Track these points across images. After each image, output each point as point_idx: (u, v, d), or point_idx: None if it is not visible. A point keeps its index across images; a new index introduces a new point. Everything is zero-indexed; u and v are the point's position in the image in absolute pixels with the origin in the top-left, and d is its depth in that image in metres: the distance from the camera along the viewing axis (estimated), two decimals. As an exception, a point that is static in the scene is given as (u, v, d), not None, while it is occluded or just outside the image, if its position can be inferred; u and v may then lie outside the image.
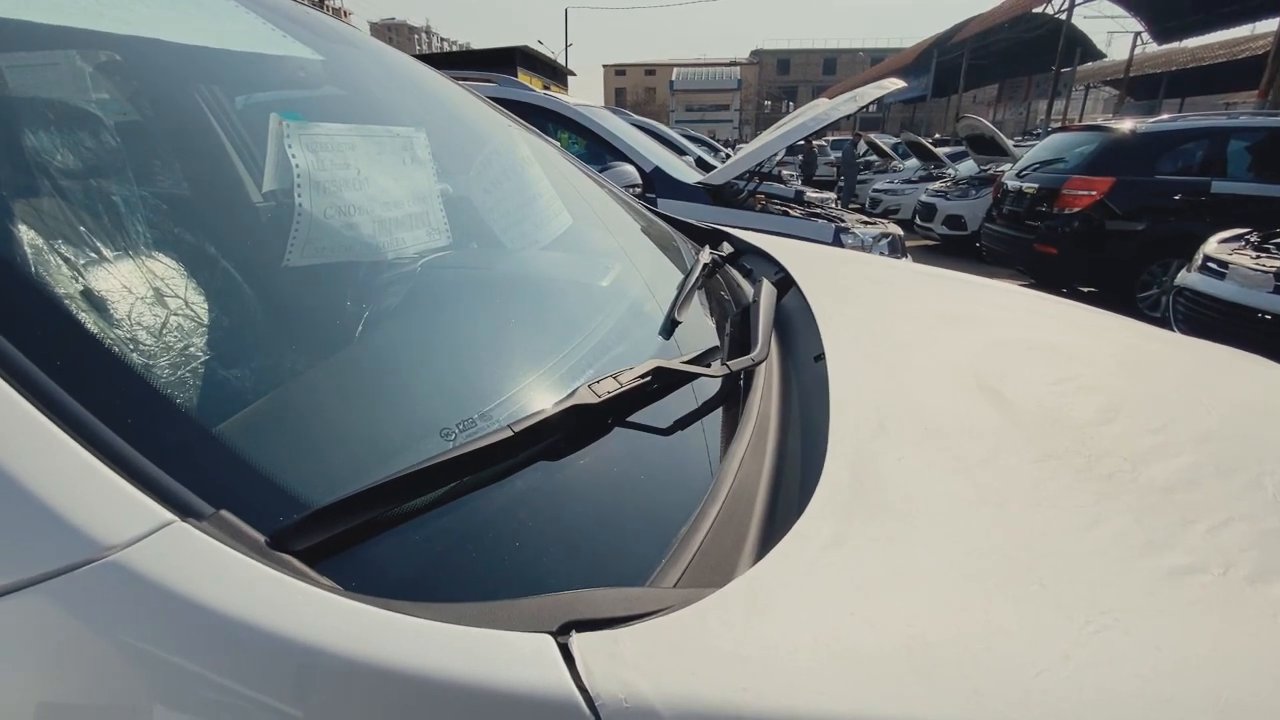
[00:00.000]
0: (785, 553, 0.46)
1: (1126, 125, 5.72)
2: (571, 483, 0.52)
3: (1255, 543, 0.52)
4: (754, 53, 66.25)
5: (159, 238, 0.57)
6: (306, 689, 0.33)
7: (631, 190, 3.40)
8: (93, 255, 0.50)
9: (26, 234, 0.47)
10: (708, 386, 0.70)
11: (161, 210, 0.59)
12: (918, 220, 9.39)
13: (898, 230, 3.98)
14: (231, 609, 0.33)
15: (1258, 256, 3.58)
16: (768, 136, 3.85)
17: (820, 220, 3.73)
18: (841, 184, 13.55)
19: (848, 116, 3.69)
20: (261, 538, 0.37)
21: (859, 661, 0.38)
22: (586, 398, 0.52)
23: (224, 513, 0.37)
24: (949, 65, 30.56)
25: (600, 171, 3.24)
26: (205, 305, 0.53)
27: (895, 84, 3.59)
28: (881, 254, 3.73)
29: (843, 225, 3.67)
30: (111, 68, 0.74)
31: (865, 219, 4.35)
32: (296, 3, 1.01)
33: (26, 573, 0.32)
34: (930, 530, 0.50)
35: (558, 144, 1.67)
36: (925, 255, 8.61)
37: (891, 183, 11.92)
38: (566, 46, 33.63)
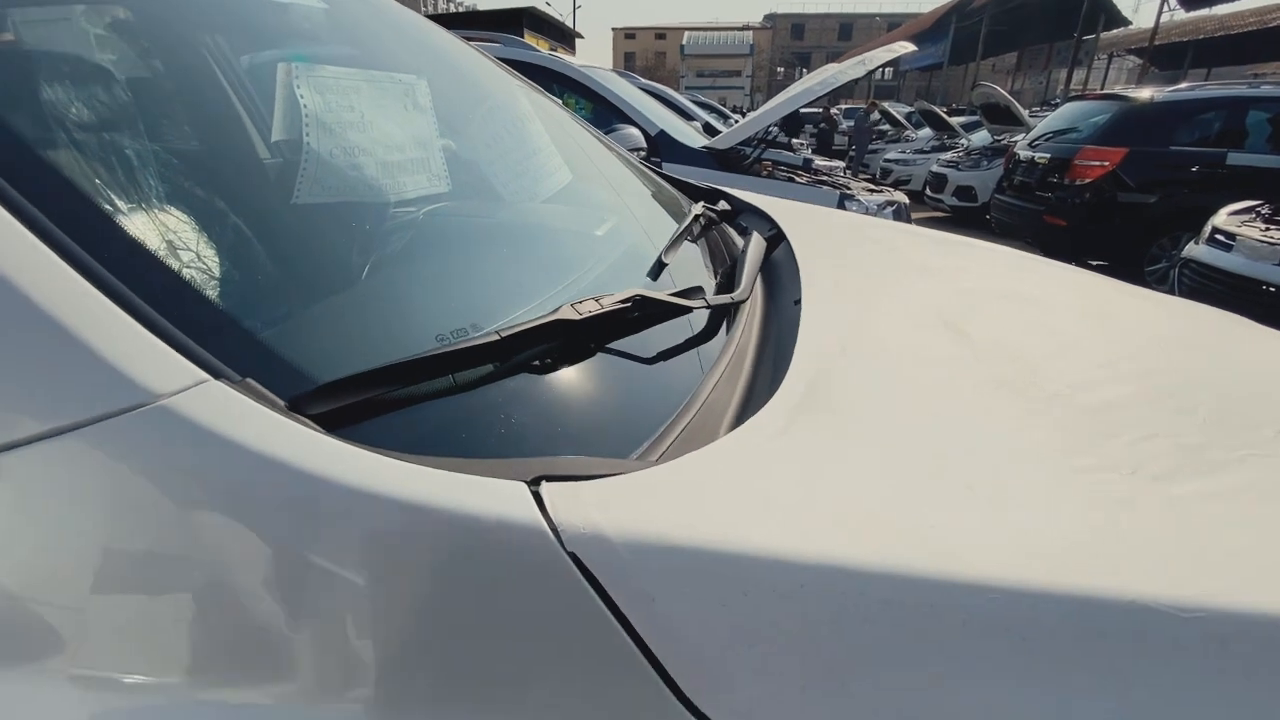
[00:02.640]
0: (737, 438, 0.53)
1: (1143, 94, 5.60)
2: (555, 390, 0.59)
3: (1170, 452, 0.57)
4: (767, 17, 64.56)
5: (185, 166, 0.64)
6: (321, 518, 0.40)
7: (636, 154, 3.40)
8: (139, 184, 0.57)
9: (77, 160, 0.54)
10: (694, 323, 0.74)
11: (185, 142, 0.65)
12: (928, 191, 9.27)
13: (903, 198, 3.96)
14: (262, 449, 0.40)
15: (1266, 229, 3.55)
16: (775, 101, 3.81)
17: (825, 187, 3.72)
18: (853, 153, 13.35)
19: (857, 82, 3.65)
20: (282, 401, 0.44)
21: (782, 510, 0.45)
22: (568, 314, 0.57)
23: (250, 380, 0.44)
24: (968, 31, 29.70)
25: (606, 133, 3.23)
26: (232, 223, 0.60)
27: (906, 47, 3.54)
28: (886, 222, 3.72)
29: (848, 193, 3.66)
30: (117, 22, 0.78)
31: (872, 187, 4.32)
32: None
33: (88, 413, 0.39)
34: (869, 428, 0.58)
35: (559, 102, 1.68)
36: (935, 227, 8.49)
37: (903, 152, 11.72)
38: (575, 8, 32.88)
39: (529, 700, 0.41)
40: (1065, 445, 0.58)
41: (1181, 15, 26.50)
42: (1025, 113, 9.05)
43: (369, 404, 0.48)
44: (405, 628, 0.40)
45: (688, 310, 0.68)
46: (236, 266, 0.56)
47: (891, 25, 55.82)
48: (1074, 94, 9.27)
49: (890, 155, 11.79)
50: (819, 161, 6.12)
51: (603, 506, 0.42)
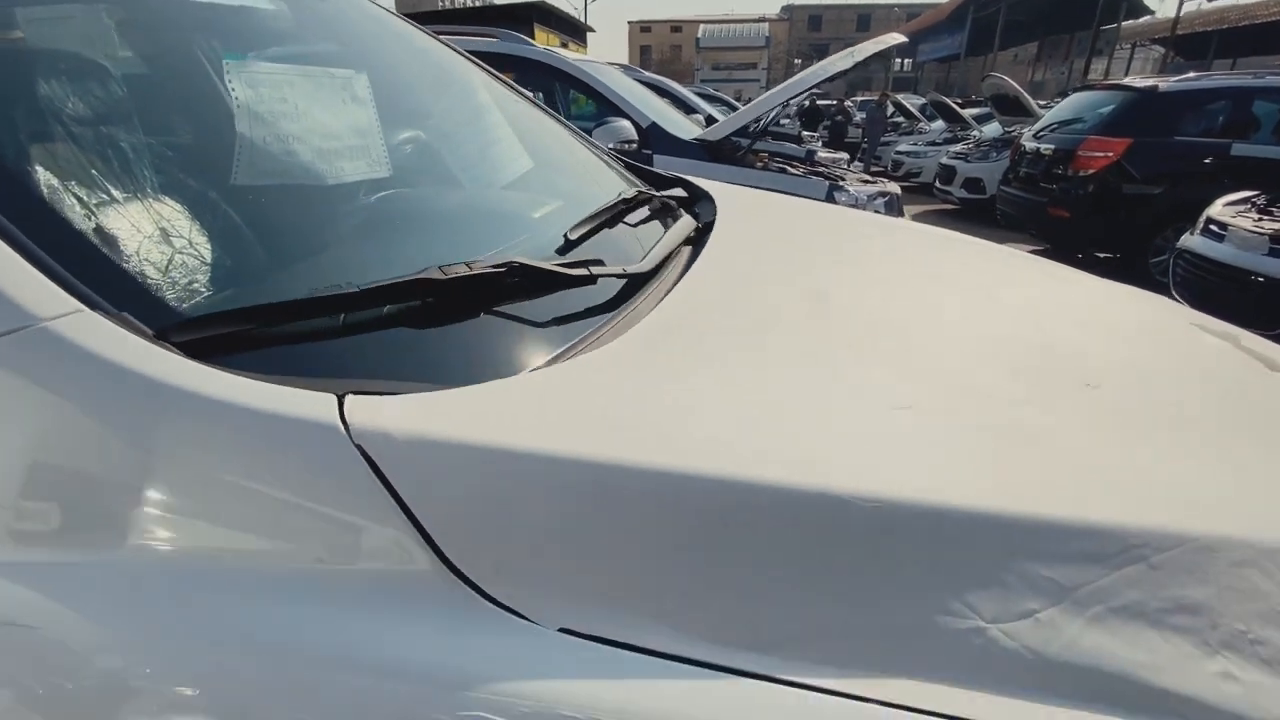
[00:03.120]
0: (545, 371, 0.63)
1: (1149, 84, 5.54)
2: (419, 339, 0.67)
3: (957, 394, 0.66)
4: (784, 9, 63.96)
5: (112, 138, 0.72)
6: (170, 423, 0.50)
7: (627, 145, 3.46)
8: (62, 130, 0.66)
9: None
10: (602, 293, 0.81)
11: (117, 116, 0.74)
12: (937, 183, 9.20)
13: (895, 189, 3.98)
14: (126, 366, 0.50)
15: (1260, 219, 3.53)
16: (767, 94, 3.85)
17: (815, 178, 3.75)
18: (865, 145, 13.27)
19: (871, 73, 3.67)
20: (150, 331, 0.53)
21: (556, 419, 0.55)
22: (434, 274, 0.65)
23: (125, 314, 0.53)
24: (986, 21, 29.21)
25: (596, 126, 3.30)
26: (145, 183, 0.69)
27: (895, 39, 3.56)
28: (878, 212, 3.76)
29: (837, 183, 3.70)
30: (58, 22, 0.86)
31: (866, 178, 4.35)
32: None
33: None
34: (685, 368, 0.67)
35: (527, 94, 1.75)
36: (943, 219, 8.47)
37: (915, 144, 11.65)
38: (587, 3, 32.87)
39: (308, 558, 0.51)
40: (867, 386, 0.68)
41: (1206, 5, 25.90)
42: (1036, 104, 8.96)
43: (234, 337, 0.57)
44: (229, 509, 0.50)
45: (571, 279, 0.74)
46: (126, 213, 0.64)
47: (910, 15, 55.03)
48: (1082, 85, 9.15)
49: (902, 147, 11.72)
50: (823, 154, 6.13)
51: (394, 413, 0.51)
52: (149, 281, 0.59)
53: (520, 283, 0.70)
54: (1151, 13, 28.25)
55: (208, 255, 0.65)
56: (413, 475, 0.49)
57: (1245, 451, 0.64)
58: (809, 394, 0.65)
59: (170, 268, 0.62)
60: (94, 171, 0.65)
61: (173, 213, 0.67)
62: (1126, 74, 29.77)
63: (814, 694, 0.45)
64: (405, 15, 1.68)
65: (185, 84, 0.84)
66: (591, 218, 0.96)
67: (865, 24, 60.90)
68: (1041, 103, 10.08)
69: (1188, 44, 27.57)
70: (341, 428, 0.49)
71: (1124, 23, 26.67)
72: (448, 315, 0.67)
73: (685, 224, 1.05)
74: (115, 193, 0.65)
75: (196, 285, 0.63)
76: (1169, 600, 0.49)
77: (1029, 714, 0.45)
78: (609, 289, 0.83)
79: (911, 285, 0.98)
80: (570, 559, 0.50)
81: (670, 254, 0.95)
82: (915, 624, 0.48)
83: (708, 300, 0.82)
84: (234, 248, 0.71)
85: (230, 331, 0.57)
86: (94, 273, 0.55)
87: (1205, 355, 0.82)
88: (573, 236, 0.88)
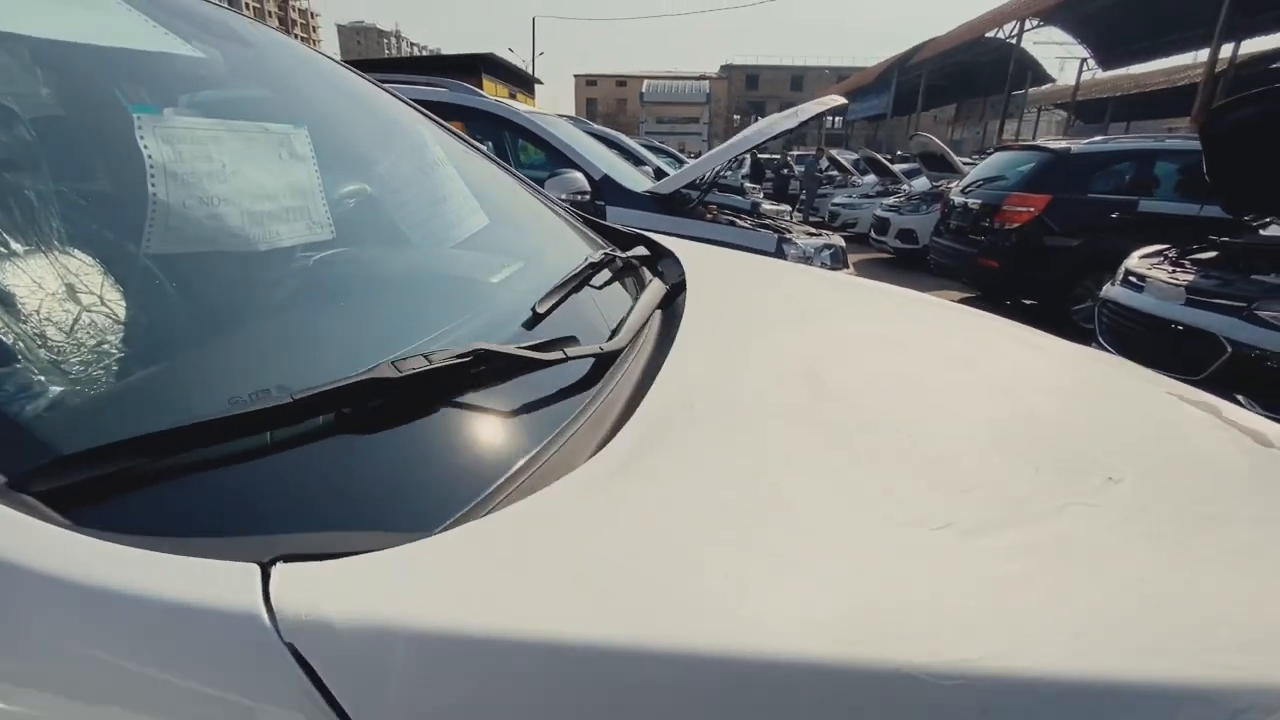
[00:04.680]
0: (527, 504, 0.50)
1: (1062, 145, 6.01)
2: (363, 454, 0.54)
3: (990, 504, 0.57)
4: (724, 67, 67.26)
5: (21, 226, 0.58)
6: (37, 615, 0.36)
7: (579, 197, 3.44)
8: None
9: None
10: (569, 374, 0.73)
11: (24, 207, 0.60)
12: (873, 234, 9.65)
13: (840, 241, 4.10)
14: None
15: (1174, 271, 3.79)
16: (715, 149, 3.94)
17: (765, 231, 3.82)
18: (804, 197, 13.90)
19: (809, 131, 3.80)
20: (3, 479, 0.40)
21: (540, 586, 0.43)
22: (386, 372, 0.53)
23: None
24: (909, 85, 31.51)
25: (549, 178, 3.27)
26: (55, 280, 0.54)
27: (836, 100, 3.71)
28: (823, 264, 3.84)
29: (786, 236, 3.77)
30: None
31: (810, 230, 4.47)
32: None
33: None
34: (683, 494, 0.55)
35: (481, 147, 1.69)
36: (880, 267, 8.85)
37: (850, 197, 12.24)
38: (534, 55, 33.69)
39: None
40: (887, 498, 0.57)
41: (1101, 74, 28.71)
42: (959, 161, 9.59)
43: (119, 474, 0.43)
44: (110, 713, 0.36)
45: (543, 364, 0.66)
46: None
47: (840, 77, 58.79)
48: (1001, 144, 9.90)
49: (838, 199, 12.31)
50: (767, 205, 6.33)
51: (338, 589, 0.39)
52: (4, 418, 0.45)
53: (486, 371, 0.61)
54: (1053, 80, 31.12)
55: (84, 355, 0.50)
56: (363, 684, 0.36)
57: None
58: (831, 518, 0.54)
59: (31, 377, 0.47)
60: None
61: (32, 295, 0.51)
62: (1034, 135, 32.51)
63: None
64: (349, 63, 1.61)
65: (91, 138, 0.72)
66: (560, 286, 0.88)
67: (799, 84, 64.62)
68: (965, 160, 10.79)
69: (1087, 109, 30.46)
70: (266, 616, 0.36)
71: (1031, 89, 29.22)
72: (401, 418, 0.56)
73: (655, 289, 0.99)
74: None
75: (68, 403, 0.48)
76: None
77: None
78: (581, 366, 0.75)
79: (895, 357, 0.93)
80: None
81: (643, 325, 0.88)
82: None
83: (692, 394, 0.72)
84: (124, 341, 0.55)
85: (113, 472, 0.43)
86: None
87: (1199, 433, 0.80)
88: (541, 309, 0.80)
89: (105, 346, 0.53)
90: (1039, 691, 0.39)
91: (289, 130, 0.85)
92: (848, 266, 3.97)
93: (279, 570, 0.39)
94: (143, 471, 0.45)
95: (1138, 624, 0.46)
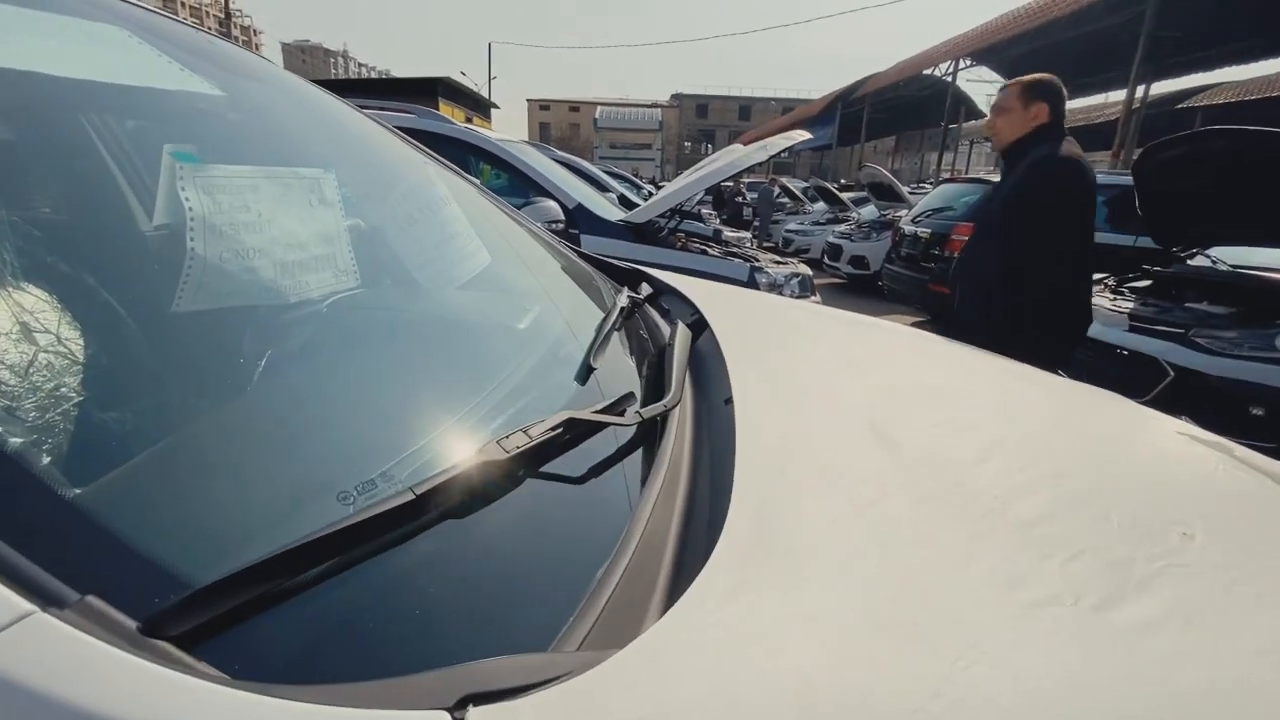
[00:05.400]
0: (686, 608, 0.46)
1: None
2: (476, 543, 0.50)
3: (1100, 572, 0.57)
4: (675, 96, 68.81)
5: (33, 274, 0.52)
6: None
7: (553, 226, 3.42)
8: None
9: None
10: (623, 431, 0.71)
11: (39, 251, 0.54)
12: (826, 260, 9.95)
13: (807, 270, 4.20)
14: (99, 707, 0.29)
15: (1115, 299, 4.02)
16: (688, 178, 3.99)
17: (737, 260, 3.88)
18: (757, 224, 14.25)
19: (762, 161, 3.90)
20: (133, 624, 0.34)
21: (751, 716, 0.38)
22: (495, 454, 0.50)
23: (90, 599, 0.33)
24: (852, 117, 32.93)
25: (522, 207, 3.25)
26: (77, 353, 0.47)
27: (801, 135, 3.83)
28: (792, 292, 3.92)
29: (757, 265, 3.84)
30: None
31: (777, 259, 4.57)
32: (201, 33, 0.97)
33: None
34: (821, 575, 0.52)
35: (477, 182, 1.66)
36: (834, 292, 9.12)
37: (802, 224, 12.63)
38: (490, 79, 33.73)
39: None
40: (1009, 574, 0.56)
41: (1026, 111, 30.61)
42: (905, 190, 10.04)
43: (255, 604, 0.37)
44: None
45: (617, 425, 0.64)
46: (67, 436, 0.42)
47: (786, 109, 60.93)
48: (945, 175, 10.44)
49: (790, 226, 12.68)
50: (727, 233, 6.46)
51: None
52: (124, 545, 0.37)
53: (569, 439, 0.58)
54: (985, 115, 33.09)
55: (202, 474, 0.44)
56: None
57: None
58: (981, 606, 0.51)
59: (144, 514, 0.40)
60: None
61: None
62: (967, 166, 34.36)
63: None
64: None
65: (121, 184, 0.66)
66: (604, 337, 0.86)
67: (746, 114, 66.64)
68: (909, 189, 11.31)
69: (1013, 143, 32.29)
70: None
71: (965, 124, 30.95)
72: (495, 493, 0.51)
73: (684, 336, 0.98)
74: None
75: (182, 535, 0.41)
76: None
77: None
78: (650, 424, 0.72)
79: (943, 406, 0.94)
80: None
81: (685, 375, 0.87)
82: None
83: (777, 458, 0.69)
84: (234, 453, 0.49)
85: (247, 602, 0.37)
86: (41, 547, 0.34)
87: (1222, 478, 0.83)
88: (595, 364, 0.78)
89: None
90: None
91: (319, 175, 0.80)
92: (815, 295, 4.06)
93: (474, 717, 0.34)
94: (270, 599, 0.38)
95: None
